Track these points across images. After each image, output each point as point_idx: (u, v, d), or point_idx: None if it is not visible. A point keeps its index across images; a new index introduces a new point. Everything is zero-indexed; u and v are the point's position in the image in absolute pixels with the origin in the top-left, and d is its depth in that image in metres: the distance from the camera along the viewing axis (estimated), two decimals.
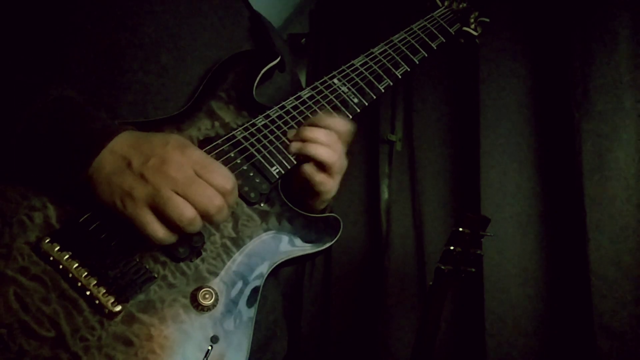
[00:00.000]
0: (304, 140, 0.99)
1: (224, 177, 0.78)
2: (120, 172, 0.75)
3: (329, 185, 1.02)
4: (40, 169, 0.77)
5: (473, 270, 1.65)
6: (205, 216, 0.76)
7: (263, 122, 1.00)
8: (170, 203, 0.72)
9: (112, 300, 0.73)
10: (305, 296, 2.78)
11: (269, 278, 0.96)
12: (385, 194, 2.65)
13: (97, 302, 0.73)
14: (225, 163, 0.89)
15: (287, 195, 1.13)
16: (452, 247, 1.62)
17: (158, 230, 0.74)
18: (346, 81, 1.12)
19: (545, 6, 2.08)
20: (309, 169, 0.99)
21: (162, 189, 0.73)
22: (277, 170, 0.97)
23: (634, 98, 1.76)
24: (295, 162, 1.00)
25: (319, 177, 1.00)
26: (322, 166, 0.99)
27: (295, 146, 0.99)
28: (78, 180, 0.76)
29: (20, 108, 0.77)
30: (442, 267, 1.63)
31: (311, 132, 0.99)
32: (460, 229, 1.62)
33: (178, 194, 0.73)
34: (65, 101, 0.81)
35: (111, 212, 0.76)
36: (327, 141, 0.98)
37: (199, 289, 0.80)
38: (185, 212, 0.73)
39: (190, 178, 0.75)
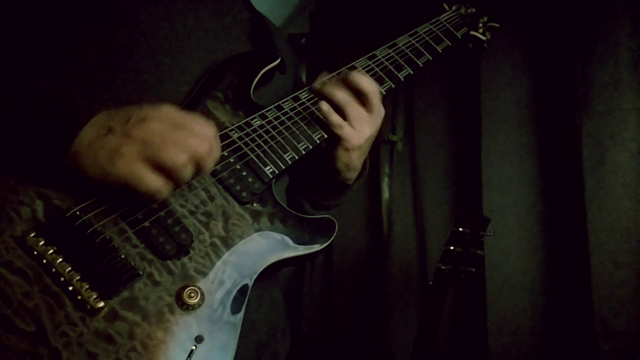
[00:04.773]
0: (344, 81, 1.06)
1: (205, 125, 0.80)
2: (103, 136, 0.76)
3: (347, 130, 1.04)
4: (25, 152, 0.77)
5: (473, 270, 1.65)
6: (197, 159, 0.78)
7: (259, 123, 1.00)
8: (163, 148, 0.75)
9: (95, 296, 0.73)
10: (305, 296, 2.77)
11: (267, 278, 0.96)
12: (386, 194, 2.65)
13: (79, 297, 0.72)
14: (217, 162, 0.89)
15: (287, 198, 1.13)
16: (452, 247, 1.62)
17: (154, 180, 0.75)
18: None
19: (546, 7, 2.07)
20: (324, 106, 1.03)
21: (151, 139, 0.75)
22: (271, 170, 0.96)
23: (634, 98, 1.76)
24: (290, 163, 0.99)
25: (334, 118, 1.03)
26: (339, 112, 1.04)
27: (315, 87, 1.07)
28: (63, 159, 0.76)
29: (3, 94, 0.79)
30: (442, 267, 1.63)
31: (353, 76, 1.05)
32: (460, 229, 1.62)
33: (167, 142, 0.76)
34: (45, 88, 0.82)
35: (100, 180, 0.76)
36: (365, 87, 1.04)
37: (184, 287, 0.79)
38: (179, 155, 0.75)
39: (175, 127, 0.77)
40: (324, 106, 1.03)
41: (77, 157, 0.76)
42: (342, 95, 1.04)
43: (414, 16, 1.34)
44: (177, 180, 0.78)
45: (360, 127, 1.05)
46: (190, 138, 0.77)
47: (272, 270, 0.95)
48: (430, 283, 1.67)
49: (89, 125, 0.77)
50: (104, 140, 0.76)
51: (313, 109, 1.07)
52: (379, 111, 1.07)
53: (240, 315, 0.84)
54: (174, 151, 0.75)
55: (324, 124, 1.05)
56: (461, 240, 1.62)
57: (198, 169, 0.80)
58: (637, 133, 1.75)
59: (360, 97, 1.05)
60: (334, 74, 1.13)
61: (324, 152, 1.12)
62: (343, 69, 1.14)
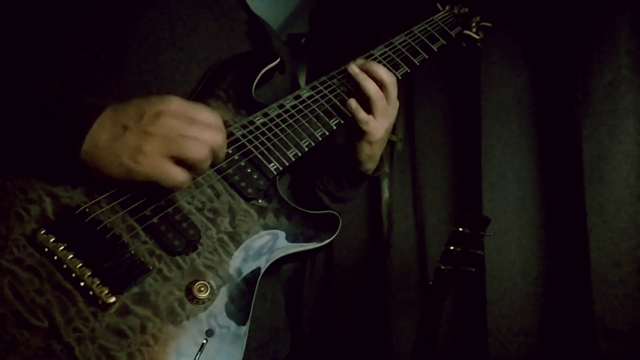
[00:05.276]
0: (364, 71, 1.09)
1: (212, 115, 0.83)
2: (120, 136, 0.77)
3: (372, 125, 1.08)
4: (35, 153, 0.77)
5: (473, 270, 1.65)
6: (215, 150, 0.81)
7: (262, 121, 1.01)
8: (186, 145, 0.77)
9: (106, 291, 0.73)
10: (306, 296, 2.77)
11: (270, 276, 0.96)
12: (386, 194, 2.65)
13: (91, 293, 0.73)
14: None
15: (291, 195, 1.14)
16: (452, 247, 1.62)
17: (180, 174, 0.78)
18: (345, 81, 1.13)
19: (546, 6, 2.08)
20: (353, 103, 1.07)
21: (170, 135, 0.77)
22: (275, 166, 0.97)
23: (634, 98, 1.76)
24: (293, 159, 1.00)
25: (362, 115, 1.07)
26: (367, 104, 1.08)
27: (354, 70, 1.09)
28: (76, 159, 0.76)
29: (7, 95, 0.78)
30: (442, 267, 1.62)
31: (375, 66, 1.08)
32: (460, 229, 1.62)
33: (186, 137, 0.77)
34: (50, 87, 0.82)
35: (124, 178, 0.77)
36: (386, 79, 1.08)
37: (194, 282, 0.80)
38: (202, 150, 0.79)
39: (189, 121, 0.79)
40: (353, 103, 1.07)
41: (95, 158, 0.77)
42: (375, 90, 1.07)
43: (414, 16, 1.35)
44: (197, 172, 0.82)
45: (382, 120, 1.09)
46: (205, 131, 0.80)
47: (275, 268, 0.95)
48: (430, 283, 1.67)
49: (98, 124, 0.77)
50: (123, 140, 0.76)
51: (314, 107, 1.08)
52: (396, 102, 1.11)
53: (250, 309, 0.84)
54: (196, 146, 0.78)
55: (326, 122, 1.07)
56: (461, 240, 1.62)
57: (214, 159, 0.83)
58: (637, 133, 1.75)
59: (380, 87, 1.08)
60: (333, 73, 1.15)
61: (344, 145, 1.16)
62: (342, 67, 1.15)
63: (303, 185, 1.24)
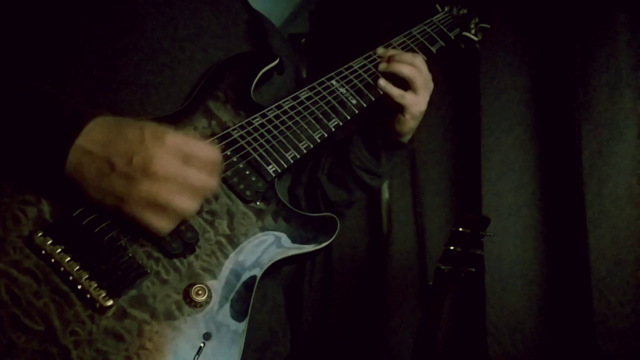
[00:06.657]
0: (388, 61, 1.17)
1: (210, 152, 0.80)
2: (106, 176, 0.74)
3: (411, 99, 1.16)
4: (23, 162, 0.77)
5: (473, 270, 1.65)
6: (207, 193, 0.81)
7: (260, 122, 1.00)
8: (174, 198, 0.74)
9: (104, 294, 0.73)
10: (305, 296, 2.77)
11: (270, 277, 0.96)
12: (386, 194, 2.65)
13: (88, 296, 0.72)
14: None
15: (327, 178, 1.19)
16: (452, 247, 1.62)
17: (161, 224, 0.76)
18: (344, 82, 1.13)
19: (546, 7, 2.08)
20: (382, 82, 1.16)
21: (160, 191, 0.73)
22: (274, 168, 0.97)
23: (634, 98, 1.76)
24: (292, 161, 1.00)
25: (395, 90, 1.15)
26: (403, 84, 1.16)
27: (382, 66, 1.17)
28: (60, 173, 0.75)
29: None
30: (442, 267, 1.62)
31: (399, 54, 1.18)
32: (460, 229, 1.61)
33: (176, 188, 0.74)
34: (35, 92, 0.81)
35: (105, 210, 0.77)
36: (409, 60, 1.16)
37: (192, 285, 0.80)
38: (191, 206, 0.77)
39: (181, 170, 0.75)
40: (382, 82, 1.16)
41: (79, 185, 0.75)
42: (409, 69, 1.15)
43: (414, 16, 1.36)
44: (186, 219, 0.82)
45: (424, 93, 1.18)
46: (199, 175, 0.77)
47: (274, 269, 0.95)
48: (430, 283, 1.67)
49: (82, 147, 0.74)
50: (108, 182, 0.74)
51: (313, 108, 1.08)
52: (429, 74, 1.20)
53: (247, 312, 0.84)
54: (186, 203, 0.76)
55: (325, 124, 1.07)
56: (461, 240, 1.62)
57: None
58: (637, 133, 1.75)
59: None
60: (331, 74, 1.15)
61: (378, 124, 1.23)
62: (341, 68, 1.16)
63: (340, 167, 1.24)
